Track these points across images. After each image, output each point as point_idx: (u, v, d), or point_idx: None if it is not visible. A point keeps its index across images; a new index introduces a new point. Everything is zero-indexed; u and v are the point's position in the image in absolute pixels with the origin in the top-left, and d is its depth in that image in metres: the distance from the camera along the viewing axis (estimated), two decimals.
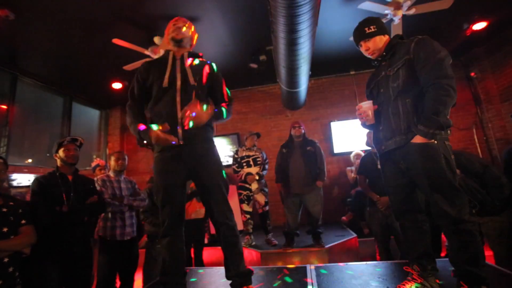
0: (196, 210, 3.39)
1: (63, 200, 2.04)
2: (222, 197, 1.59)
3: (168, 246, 1.55)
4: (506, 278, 1.58)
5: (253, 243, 3.48)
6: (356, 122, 5.18)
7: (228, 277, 1.59)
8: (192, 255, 3.68)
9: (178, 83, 1.59)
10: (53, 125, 5.15)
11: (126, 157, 2.85)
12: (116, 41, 3.33)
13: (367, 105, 1.62)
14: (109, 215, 2.56)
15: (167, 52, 1.71)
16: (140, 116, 1.64)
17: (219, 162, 1.67)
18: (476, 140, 4.91)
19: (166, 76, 1.59)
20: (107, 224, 2.55)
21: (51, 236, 1.94)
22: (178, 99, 1.56)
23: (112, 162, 2.76)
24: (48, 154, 4.80)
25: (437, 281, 1.46)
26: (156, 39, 3.70)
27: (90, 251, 2.21)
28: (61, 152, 2.16)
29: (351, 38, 1.77)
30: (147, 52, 3.66)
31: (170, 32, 1.69)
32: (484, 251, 1.35)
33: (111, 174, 2.76)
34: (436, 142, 1.37)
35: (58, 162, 2.19)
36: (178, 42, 1.68)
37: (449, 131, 1.41)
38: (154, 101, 1.62)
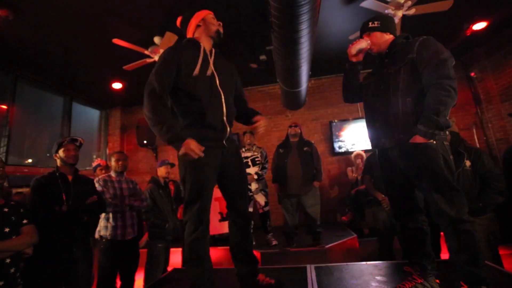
0: None
1: (63, 200, 2.04)
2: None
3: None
4: (506, 278, 1.58)
5: (253, 243, 3.48)
6: (356, 123, 5.26)
7: (238, 261, 1.62)
8: None
9: (217, 81, 1.49)
10: (53, 125, 5.15)
11: (127, 158, 2.85)
12: (116, 41, 3.33)
13: (364, 41, 1.62)
14: (110, 215, 2.57)
15: (196, 42, 1.54)
16: (170, 113, 1.39)
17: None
18: (476, 140, 4.91)
19: (197, 68, 1.42)
20: (108, 224, 2.55)
21: (51, 236, 1.93)
22: (223, 99, 1.49)
23: (113, 163, 2.76)
24: (48, 154, 4.80)
25: (437, 281, 1.46)
26: (156, 39, 3.70)
27: (90, 251, 2.21)
28: (61, 152, 2.17)
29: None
30: (147, 52, 3.66)
31: (213, 26, 1.59)
32: (483, 251, 1.35)
33: (113, 174, 2.76)
34: (435, 142, 1.37)
35: (58, 162, 2.20)
36: (220, 38, 1.60)
37: (447, 132, 1.41)
38: (190, 97, 1.43)
